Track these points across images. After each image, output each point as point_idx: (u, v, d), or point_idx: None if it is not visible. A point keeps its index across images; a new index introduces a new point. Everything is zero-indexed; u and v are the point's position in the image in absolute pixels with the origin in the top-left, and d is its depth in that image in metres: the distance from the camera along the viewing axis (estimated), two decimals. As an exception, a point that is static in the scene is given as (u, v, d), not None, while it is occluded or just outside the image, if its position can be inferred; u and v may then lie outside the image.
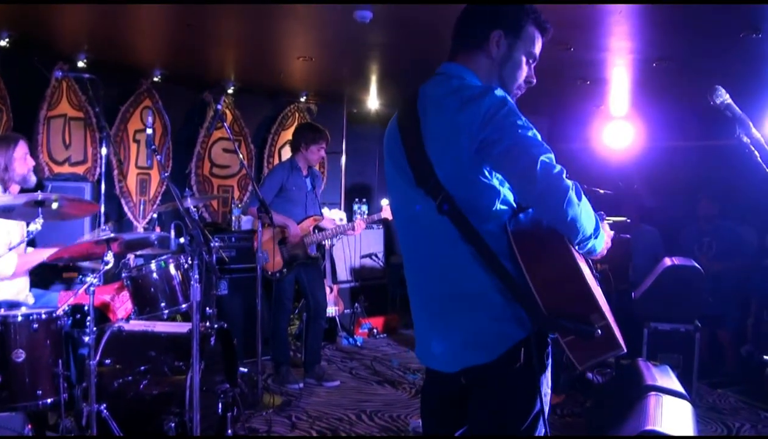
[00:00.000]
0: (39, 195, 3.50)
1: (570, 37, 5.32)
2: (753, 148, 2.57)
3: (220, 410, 4.05)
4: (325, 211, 6.50)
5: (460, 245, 2.03)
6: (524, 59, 2.22)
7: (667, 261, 5.85)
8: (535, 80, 2.27)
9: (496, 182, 2.05)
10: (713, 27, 4.88)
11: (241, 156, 4.97)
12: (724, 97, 2.55)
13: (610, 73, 6.54)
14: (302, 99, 8.40)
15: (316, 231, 5.71)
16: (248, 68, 7.17)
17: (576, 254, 2.01)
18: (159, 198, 7.30)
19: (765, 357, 5.63)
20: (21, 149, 4.29)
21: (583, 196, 1.99)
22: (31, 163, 4.36)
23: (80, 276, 4.92)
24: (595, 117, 8.59)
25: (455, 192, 2.02)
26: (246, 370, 4.93)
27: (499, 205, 2.05)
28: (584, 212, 1.98)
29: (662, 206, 7.77)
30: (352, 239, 7.81)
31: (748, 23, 4.79)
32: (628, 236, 6.76)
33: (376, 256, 8.17)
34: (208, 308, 4.75)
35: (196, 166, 7.74)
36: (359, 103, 8.64)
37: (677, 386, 4.22)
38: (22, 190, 4.32)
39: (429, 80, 2.23)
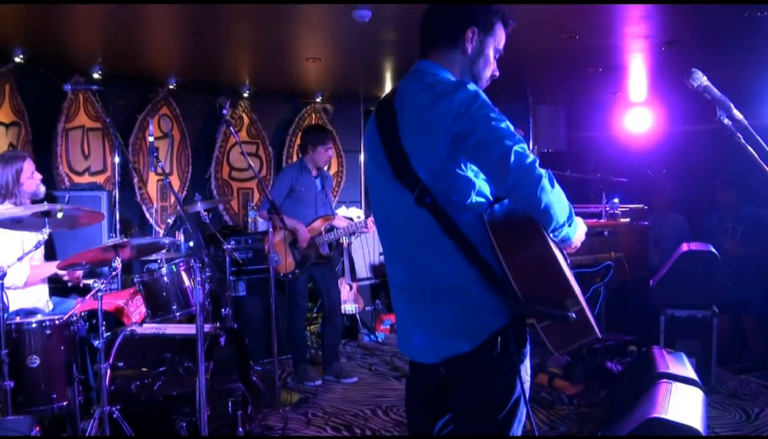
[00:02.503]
0: (45, 206, 3.61)
1: (574, 26, 5.29)
2: (735, 131, 2.57)
3: (230, 409, 4.11)
4: (343, 209, 6.57)
5: (438, 237, 2.08)
6: (492, 54, 2.28)
7: (684, 246, 5.79)
8: (498, 73, 2.33)
9: (471, 174, 2.10)
10: (717, 7, 4.82)
11: (250, 162, 5.02)
12: (701, 79, 2.53)
13: (621, 59, 6.49)
14: (318, 99, 8.48)
15: (328, 230, 5.76)
16: (261, 72, 7.26)
17: (551, 242, 2.05)
18: (178, 204, 7.42)
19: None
20: (28, 168, 4.40)
21: (557, 185, 2.03)
22: (39, 177, 4.48)
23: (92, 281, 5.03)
24: (612, 104, 8.52)
25: (432, 185, 2.08)
26: (260, 369, 5.00)
27: (475, 197, 2.09)
28: (557, 200, 2.02)
29: (684, 192, 7.68)
30: (371, 237, 7.84)
31: (752, 4, 4.72)
32: (645, 223, 6.71)
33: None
34: (223, 309, 4.87)
35: (215, 171, 7.87)
36: (375, 101, 8.64)
37: (690, 373, 4.19)
38: (33, 202, 4.44)
39: (405, 77, 2.29)
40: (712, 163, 7.46)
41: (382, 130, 2.22)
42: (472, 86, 2.07)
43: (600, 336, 2.10)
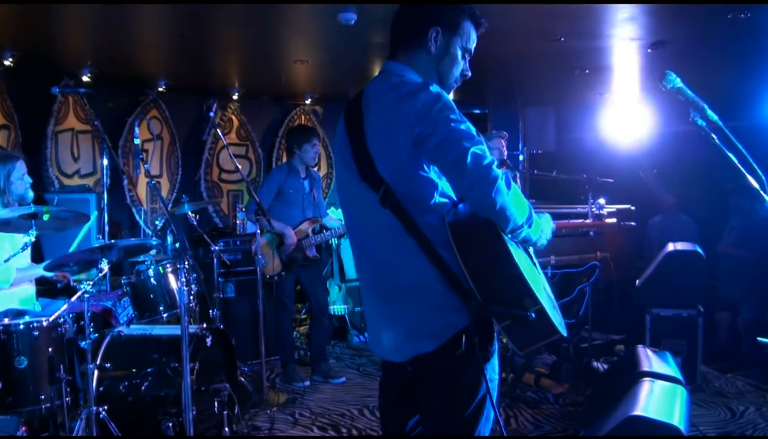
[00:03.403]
0: (32, 208, 3.64)
1: (558, 28, 5.34)
2: (708, 132, 2.61)
3: (216, 410, 4.14)
4: (332, 211, 6.59)
5: (402, 237, 2.10)
6: (460, 54, 2.31)
7: (670, 246, 5.84)
8: (470, 73, 2.36)
9: (434, 175, 2.13)
10: (702, 9, 4.87)
11: (237, 164, 5.06)
12: (674, 81, 2.58)
13: (608, 61, 6.54)
14: (307, 101, 8.50)
15: (316, 232, 5.78)
16: (250, 74, 7.29)
17: (511, 244, 2.07)
18: (170, 205, 7.45)
19: (759, 339, 5.57)
20: (19, 169, 4.42)
21: (514, 186, 2.05)
22: (29, 181, 4.50)
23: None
24: (601, 105, 8.55)
25: (396, 185, 2.11)
26: (249, 369, 5.02)
27: (438, 198, 2.12)
28: (514, 201, 2.04)
29: (679, 192, 7.72)
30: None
31: (735, 4, 4.77)
32: (633, 223, 6.74)
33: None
34: (211, 311, 4.89)
35: (205, 173, 7.90)
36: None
37: (673, 372, 4.23)
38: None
39: (374, 78, 2.32)
40: (699, 165, 7.49)
41: (349, 131, 2.25)
42: (434, 88, 2.11)
43: (566, 335, 2.13)
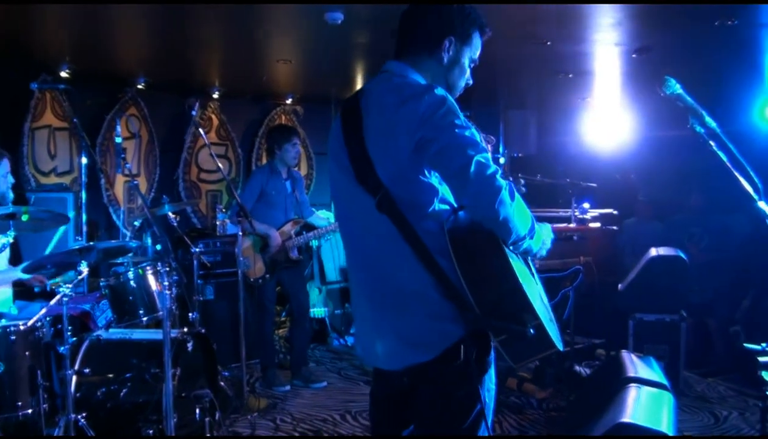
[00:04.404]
0: (10, 208, 3.53)
1: (546, 32, 5.32)
2: (707, 138, 2.59)
3: (198, 416, 4.05)
4: (323, 213, 6.54)
5: (399, 243, 2.04)
6: (468, 64, 2.26)
7: (653, 251, 5.84)
8: (472, 82, 2.31)
9: (435, 181, 2.07)
10: (688, 16, 4.87)
11: (220, 165, 4.97)
12: (674, 87, 2.55)
13: (591, 65, 6.55)
14: (288, 101, 8.41)
15: (298, 233, 5.71)
16: (231, 73, 7.20)
17: (510, 255, 2.02)
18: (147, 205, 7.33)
19: (746, 345, 5.60)
20: (4, 167, 4.30)
21: (518, 197, 1.99)
22: (11, 181, 4.37)
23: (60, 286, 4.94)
24: (582, 110, 8.57)
25: (394, 190, 2.04)
26: (228, 374, 4.93)
27: (438, 204, 2.06)
28: (518, 213, 1.98)
29: (655, 198, 7.75)
30: (341, 240, 7.78)
31: (723, 11, 4.78)
32: (614, 227, 6.75)
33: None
34: (190, 314, 4.79)
35: (184, 172, 7.78)
36: (346, 104, 8.62)
37: (659, 377, 4.21)
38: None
39: (374, 78, 2.25)
40: (680, 170, 7.53)
41: (347, 131, 2.17)
42: (440, 91, 2.04)
43: (561, 349, 2.09)
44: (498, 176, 1.95)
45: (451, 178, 2.02)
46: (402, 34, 2.26)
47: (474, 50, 2.26)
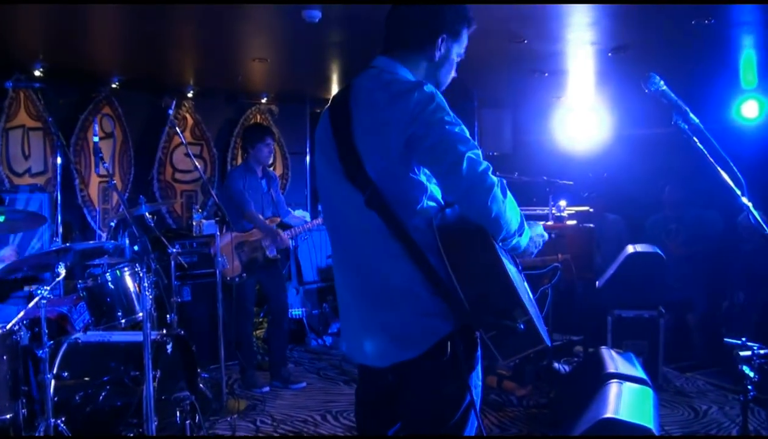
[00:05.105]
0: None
1: (523, 31, 5.32)
2: (690, 135, 2.60)
3: (178, 419, 4.00)
4: (299, 212, 6.52)
5: (387, 240, 2.04)
6: (455, 59, 2.27)
7: (630, 248, 5.89)
8: (456, 75, 2.32)
9: (423, 178, 2.07)
10: (665, 15, 4.90)
11: (197, 164, 4.92)
12: (658, 84, 2.56)
13: (567, 64, 6.57)
14: (263, 100, 8.35)
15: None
16: (206, 72, 7.12)
17: (500, 251, 2.02)
18: (122, 206, 7.22)
19: (726, 340, 5.67)
20: None
21: (509, 194, 2.01)
22: None
23: (35, 288, 4.85)
24: (557, 108, 8.61)
25: (383, 187, 2.03)
26: (207, 375, 4.88)
27: (426, 202, 2.06)
28: (509, 209, 2.00)
29: (630, 195, 7.81)
30: (318, 239, 7.74)
31: (699, 10, 4.81)
32: (591, 225, 6.78)
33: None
34: (168, 316, 4.74)
35: (158, 172, 7.69)
36: (322, 103, 8.60)
37: (639, 373, 4.24)
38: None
39: (362, 73, 2.23)
40: (657, 167, 7.60)
41: (335, 127, 2.16)
42: (429, 87, 2.04)
43: (550, 345, 2.10)
44: (489, 173, 1.95)
45: (442, 175, 2.01)
46: (391, 30, 2.25)
47: (461, 45, 2.26)
